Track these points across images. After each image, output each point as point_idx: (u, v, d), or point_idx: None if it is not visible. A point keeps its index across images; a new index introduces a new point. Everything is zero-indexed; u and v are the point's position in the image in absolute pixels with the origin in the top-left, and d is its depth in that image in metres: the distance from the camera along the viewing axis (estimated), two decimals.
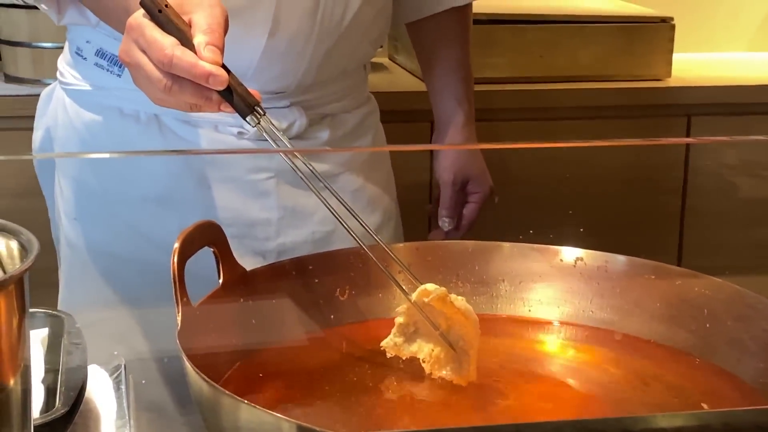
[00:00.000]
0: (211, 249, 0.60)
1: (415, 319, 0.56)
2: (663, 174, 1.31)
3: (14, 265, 0.38)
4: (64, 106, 0.80)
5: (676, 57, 1.31)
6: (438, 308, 0.55)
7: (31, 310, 0.53)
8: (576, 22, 1.30)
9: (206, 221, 0.61)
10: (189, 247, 0.57)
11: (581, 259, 0.64)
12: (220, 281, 0.60)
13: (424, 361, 0.56)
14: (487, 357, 0.58)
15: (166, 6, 0.53)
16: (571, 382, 0.60)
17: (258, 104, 0.54)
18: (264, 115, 0.55)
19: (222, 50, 0.53)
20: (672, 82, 1.31)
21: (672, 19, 1.29)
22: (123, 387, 0.54)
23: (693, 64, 1.40)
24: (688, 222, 1.32)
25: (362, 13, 0.74)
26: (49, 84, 0.87)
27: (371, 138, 0.84)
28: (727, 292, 0.59)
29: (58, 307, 0.73)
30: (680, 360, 0.58)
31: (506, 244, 0.67)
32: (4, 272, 0.38)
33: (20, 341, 0.36)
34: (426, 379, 0.57)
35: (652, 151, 1.28)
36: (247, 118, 0.54)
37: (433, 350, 0.56)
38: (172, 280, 0.55)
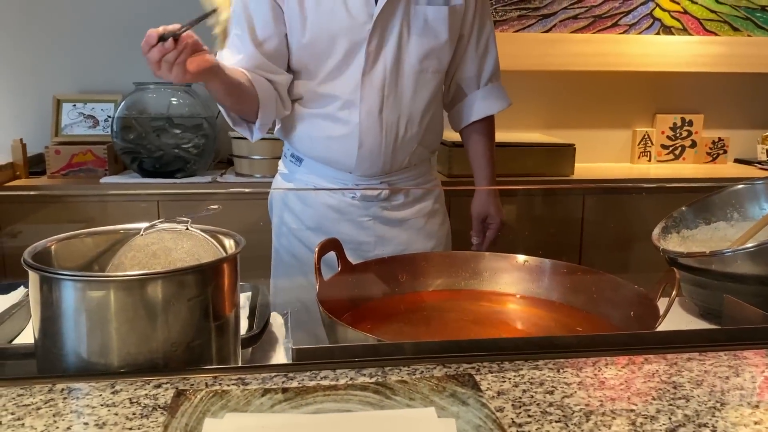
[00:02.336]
0: (335, 252, 1.08)
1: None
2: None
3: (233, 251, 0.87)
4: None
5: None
6: None
7: (241, 283, 1.04)
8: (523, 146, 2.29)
9: (333, 238, 1.09)
10: (323, 250, 1.06)
11: (527, 261, 1.07)
12: (339, 269, 1.08)
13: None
14: (474, 308, 1.00)
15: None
16: (519, 324, 1.02)
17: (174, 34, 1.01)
18: (175, 35, 1.01)
19: (164, 29, 1.02)
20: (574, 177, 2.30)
21: (574, 144, 2.30)
22: (289, 323, 1.03)
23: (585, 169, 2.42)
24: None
25: (409, 132, 1.36)
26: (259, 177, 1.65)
27: (434, 200, 1.48)
28: (604, 278, 1.01)
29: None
30: (577, 312, 1.01)
31: (487, 253, 1.14)
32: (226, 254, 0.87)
33: (234, 292, 0.82)
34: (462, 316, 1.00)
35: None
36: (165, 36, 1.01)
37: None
38: (315, 268, 1.04)
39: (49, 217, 1.96)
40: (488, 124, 1.52)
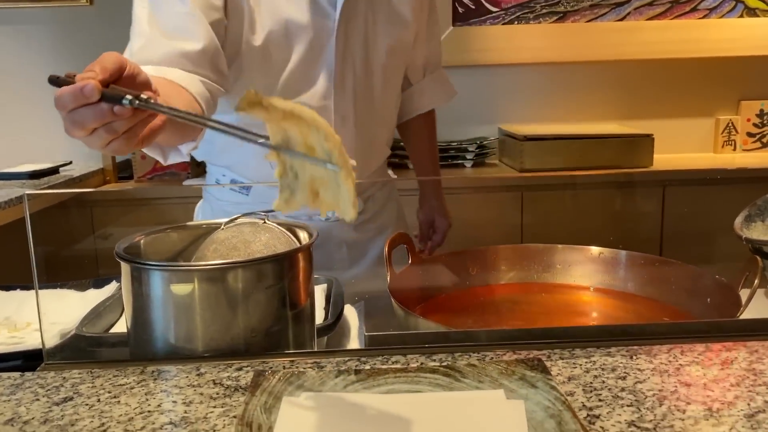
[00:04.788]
0: (405, 245, 1.10)
1: (288, 163, 0.58)
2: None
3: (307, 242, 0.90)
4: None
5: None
6: (271, 118, 0.54)
7: (316, 275, 1.08)
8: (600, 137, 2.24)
9: (403, 232, 1.11)
10: (393, 243, 1.08)
11: (602, 253, 1.04)
12: (410, 262, 1.09)
13: (314, 204, 0.58)
14: (546, 300, 1.00)
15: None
16: (592, 316, 1.01)
17: (129, 93, 0.61)
18: (140, 101, 0.61)
19: (102, 73, 0.62)
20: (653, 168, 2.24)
21: (652, 135, 2.22)
22: (362, 313, 1.06)
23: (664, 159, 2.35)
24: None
25: (382, 136, 1.23)
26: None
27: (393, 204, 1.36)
28: (683, 268, 1.00)
29: None
30: (654, 303, 0.99)
31: (560, 245, 1.13)
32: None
33: (308, 281, 0.85)
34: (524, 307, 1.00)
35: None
36: (122, 101, 0.61)
37: (314, 180, 0.57)
38: (386, 260, 1.06)
39: (137, 219, 2.08)
40: (431, 117, 1.39)
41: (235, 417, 0.58)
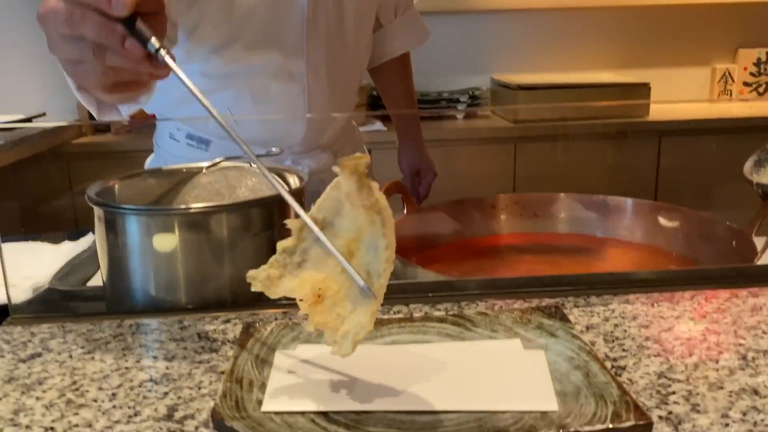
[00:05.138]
0: (400, 195, 1.04)
1: (304, 245, 0.46)
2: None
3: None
4: None
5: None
6: (353, 198, 0.44)
7: None
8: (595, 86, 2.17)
9: (397, 181, 1.05)
10: (388, 193, 1.02)
11: (606, 200, 1.02)
12: (405, 212, 1.03)
13: (301, 300, 0.45)
14: (551, 250, 0.94)
15: None
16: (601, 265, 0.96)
17: (155, 36, 0.49)
18: (161, 48, 0.49)
19: None
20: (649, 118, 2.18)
21: (648, 83, 2.17)
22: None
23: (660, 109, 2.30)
24: None
25: (354, 86, 1.12)
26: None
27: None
28: (692, 215, 0.95)
29: None
30: (664, 253, 0.95)
31: (562, 194, 1.08)
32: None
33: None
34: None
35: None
36: (147, 45, 0.49)
37: (322, 284, 0.44)
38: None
39: (116, 172, 1.99)
40: (405, 61, 1.28)
41: (222, 373, 0.52)
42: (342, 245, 0.44)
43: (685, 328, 0.58)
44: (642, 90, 2.14)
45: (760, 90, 2.40)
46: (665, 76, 2.38)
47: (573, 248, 1.00)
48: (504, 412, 0.42)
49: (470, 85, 2.26)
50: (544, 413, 0.42)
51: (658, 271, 0.73)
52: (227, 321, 0.63)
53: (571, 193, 1.06)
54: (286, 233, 0.75)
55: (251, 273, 0.45)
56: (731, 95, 2.40)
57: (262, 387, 0.46)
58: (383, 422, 0.42)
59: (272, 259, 0.45)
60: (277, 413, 0.43)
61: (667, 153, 2.09)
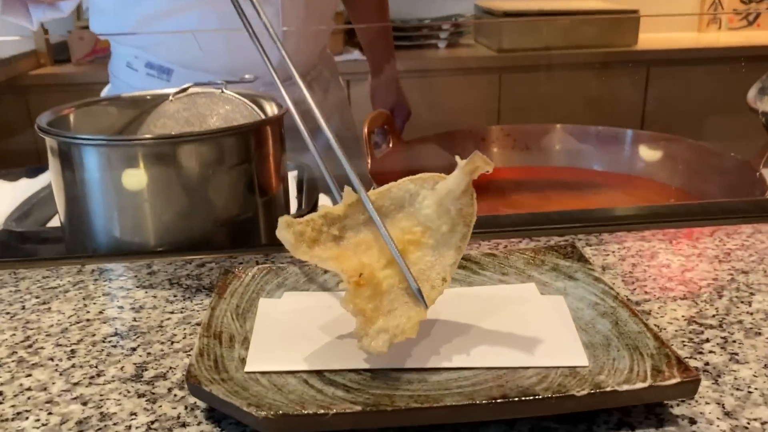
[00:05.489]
0: (386, 127, 0.97)
1: (351, 222, 0.40)
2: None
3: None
4: None
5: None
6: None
7: (287, 162, 0.94)
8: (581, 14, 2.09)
9: (383, 111, 0.97)
10: (373, 124, 0.94)
11: (601, 132, 0.94)
12: (390, 145, 0.96)
13: (344, 273, 0.37)
14: (548, 185, 0.88)
15: None
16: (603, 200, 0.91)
17: None
18: None
19: None
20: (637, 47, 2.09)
21: (637, 11, 2.09)
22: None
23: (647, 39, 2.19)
24: None
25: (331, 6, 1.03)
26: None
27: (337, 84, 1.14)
28: (694, 146, 0.92)
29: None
30: (665, 188, 0.91)
31: (558, 125, 1.02)
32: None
33: (280, 162, 0.69)
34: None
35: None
36: None
37: (365, 270, 0.38)
38: (365, 143, 0.92)
39: None
40: None
41: (198, 325, 0.46)
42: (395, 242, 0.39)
43: (710, 267, 0.53)
44: (631, 19, 2.06)
45: (751, 18, 2.33)
46: (652, 4, 2.29)
47: (571, 183, 0.94)
48: (527, 369, 0.37)
49: (453, 12, 2.15)
50: (572, 369, 0.36)
51: (673, 205, 0.68)
52: (202, 265, 0.56)
53: (566, 124, 1.00)
54: (264, 167, 0.68)
55: (286, 218, 0.38)
56: (720, 24, 2.33)
57: (245, 342, 0.40)
58: (388, 383, 0.36)
59: (309, 217, 0.39)
60: (263, 374, 0.37)
61: (655, 84, 2.02)
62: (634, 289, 0.50)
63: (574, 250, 0.49)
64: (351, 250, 0.39)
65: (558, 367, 0.37)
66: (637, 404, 0.36)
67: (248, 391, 0.35)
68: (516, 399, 0.33)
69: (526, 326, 0.41)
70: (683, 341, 0.43)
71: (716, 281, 0.51)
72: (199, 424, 0.36)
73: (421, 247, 0.39)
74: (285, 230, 0.38)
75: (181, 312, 0.48)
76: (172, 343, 0.44)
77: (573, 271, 0.47)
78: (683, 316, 0.46)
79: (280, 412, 0.32)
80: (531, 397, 0.33)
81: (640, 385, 0.34)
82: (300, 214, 0.80)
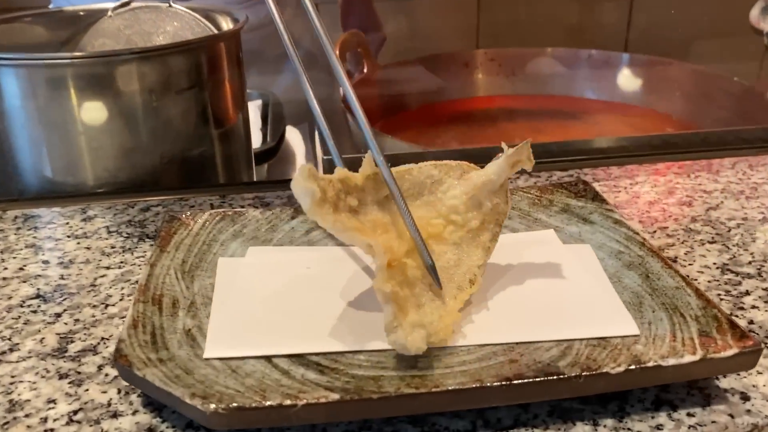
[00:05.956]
0: (360, 50, 0.87)
1: (365, 198, 0.33)
2: None
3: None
4: None
5: None
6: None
7: (249, 90, 0.85)
8: None
9: (356, 31, 0.87)
10: (345, 46, 0.85)
11: (593, 55, 0.86)
12: (365, 70, 0.87)
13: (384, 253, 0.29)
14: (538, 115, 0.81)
15: None
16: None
17: None
18: None
19: None
20: None
21: None
22: (309, 137, 0.84)
23: None
24: None
25: None
26: None
27: None
28: (695, 70, 0.85)
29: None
30: (664, 117, 0.83)
31: (549, 48, 0.92)
32: None
33: (239, 86, 0.58)
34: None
35: None
36: None
37: (389, 246, 0.30)
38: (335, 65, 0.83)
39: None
40: None
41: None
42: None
43: (736, 204, 0.46)
44: None
45: None
46: None
47: (564, 113, 0.86)
48: (545, 342, 0.30)
49: None
50: (601, 338, 0.29)
51: (687, 134, 0.60)
52: (146, 209, 0.48)
53: (555, 48, 0.91)
54: (219, 93, 0.59)
55: (310, 167, 0.30)
56: None
57: (192, 309, 0.32)
58: (373, 360, 0.29)
59: (328, 177, 0.31)
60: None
61: (641, 7, 1.92)
62: (654, 231, 0.43)
63: (587, 188, 0.42)
64: (369, 228, 0.31)
65: (583, 338, 0.29)
66: (682, 381, 0.29)
67: (193, 375, 0.27)
68: (534, 379, 0.26)
69: (550, 286, 0.34)
70: (719, 294, 0.36)
71: (746, 221, 0.44)
72: (134, 413, 0.29)
73: (442, 243, 0.33)
74: (309, 180, 0.29)
75: (119, 267, 0.40)
76: (107, 306, 0.36)
77: (587, 212, 0.40)
78: (715, 264, 0.39)
79: (234, 404, 0.25)
80: (553, 377, 0.26)
81: (689, 359, 0.27)
82: (267, 148, 0.71)
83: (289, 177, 0.70)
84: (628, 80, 0.92)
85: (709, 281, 0.37)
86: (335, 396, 0.25)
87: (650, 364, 0.27)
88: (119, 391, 0.30)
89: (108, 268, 0.40)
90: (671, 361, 0.27)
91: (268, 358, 0.29)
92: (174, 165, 0.52)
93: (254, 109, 0.83)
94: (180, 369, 0.27)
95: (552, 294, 0.33)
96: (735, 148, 0.56)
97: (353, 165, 0.34)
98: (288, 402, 0.25)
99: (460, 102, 0.89)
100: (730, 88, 0.85)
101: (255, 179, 0.62)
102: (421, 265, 0.31)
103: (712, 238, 0.42)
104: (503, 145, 0.34)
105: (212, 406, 0.25)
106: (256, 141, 0.74)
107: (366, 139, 0.34)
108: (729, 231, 0.43)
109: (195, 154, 0.53)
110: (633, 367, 0.27)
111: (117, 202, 0.48)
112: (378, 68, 0.89)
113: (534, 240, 0.38)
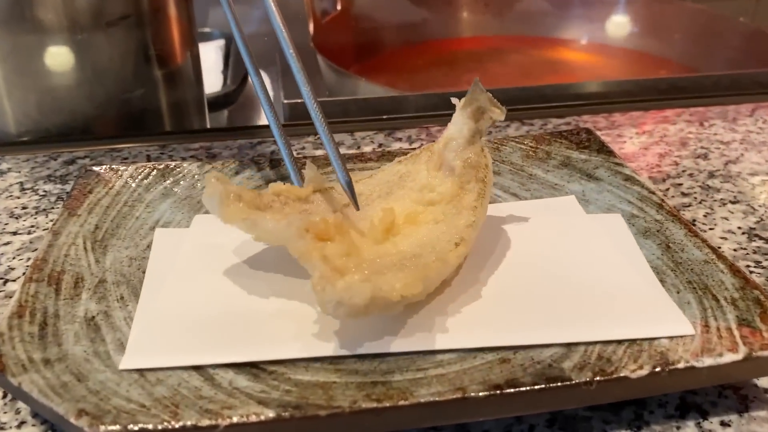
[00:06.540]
0: None
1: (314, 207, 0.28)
2: None
3: None
4: None
5: None
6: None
7: (209, 29, 0.76)
8: None
9: None
10: None
11: None
12: (338, 8, 0.79)
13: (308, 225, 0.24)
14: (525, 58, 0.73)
15: None
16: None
17: None
18: None
19: None
20: None
21: None
22: (277, 80, 0.77)
23: None
24: None
25: None
26: None
27: None
28: (697, 10, 0.77)
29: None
30: (665, 62, 0.76)
31: None
32: None
33: (187, 17, 0.50)
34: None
35: None
36: None
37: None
38: (307, 5, 0.75)
39: None
40: None
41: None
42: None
43: (759, 157, 0.40)
44: None
45: None
46: None
47: (553, 56, 0.79)
48: (547, 346, 0.23)
49: None
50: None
51: (698, 77, 0.53)
52: (71, 162, 0.40)
53: None
54: (163, 25, 0.51)
55: (216, 174, 0.25)
56: None
57: (99, 289, 0.25)
58: (324, 362, 0.22)
59: (252, 189, 0.26)
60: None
61: None
62: (667, 189, 0.37)
63: (590, 137, 0.35)
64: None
65: (615, 340, 0.23)
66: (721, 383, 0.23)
67: (87, 382, 0.21)
68: (533, 387, 0.20)
69: (570, 269, 0.26)
70: (748, 266, 0.30)
71: None
72: (20, 426, 0.22)
73: (425, 225, 0.27)
74: (216, 185, 0.25)
75: (29, 233, 0.33)
76: (5, 282, 0.30)
77: (592, 167, 0.33)
78: (740, 228, 0.33)
79: (133, 426, 0.19)
80: (557, 383, 0.20)
81: (730, 357, 0.21)
82: (226, 92, 0.64)
83: (250, 124, 0.63)
84: (624, 22, 0.84)
85: (735, 250, 0.31)
86: (270, 413, 0.19)
87: (681, 365, 0.21)
88: (4, 396, 0.24)
89: (15, 233, 0.33)
90: (707, 361, 0.21)
91: (196, 369, 0.22)
92: (109, 110, 0.44)
93: (215, 49, 0.75)
94: (70, 374, 0.21)
95: (572, 279, 0.26)
96: (751, 93, 0.49)
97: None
98: (206, 422, 0.19)
99: (443, 42, 0.82)
100: (735, 30, 0.78)
101: (208, 127, 0.54)
102: (390, 253, 0.25)
103: (734, 197, 0.36)
104: (454, 100, 0.28)
105: (102, 428, 0.18)
106: (216, 84, 0.67)
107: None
108: (753, 189, 0.37)
109: (133, 97, 0.45)
110: (659, 369, 0.21)
111: (37, 153, 0.41)
112: (352, 5, 0.81)
113: (548, 208, 0.31)
